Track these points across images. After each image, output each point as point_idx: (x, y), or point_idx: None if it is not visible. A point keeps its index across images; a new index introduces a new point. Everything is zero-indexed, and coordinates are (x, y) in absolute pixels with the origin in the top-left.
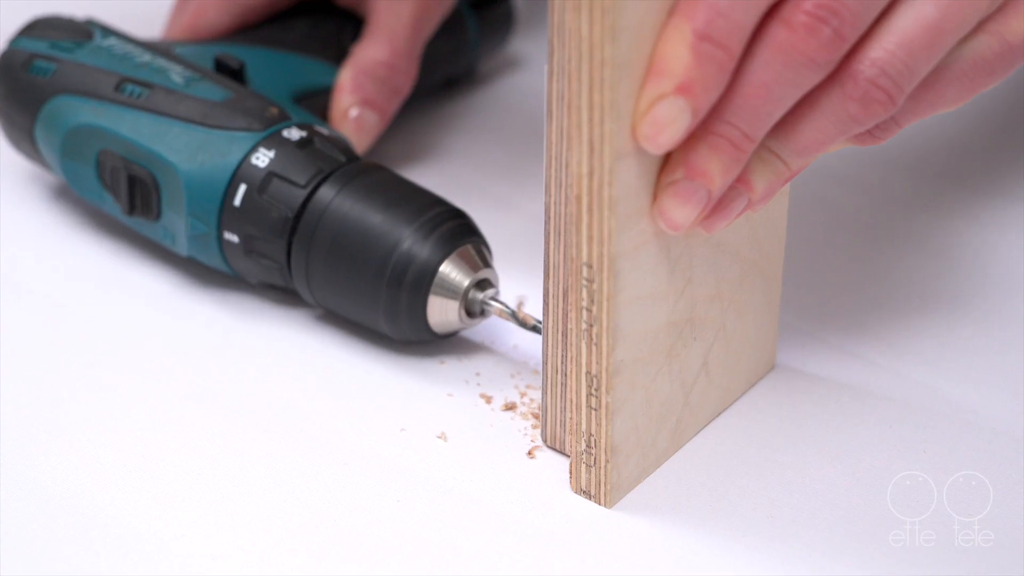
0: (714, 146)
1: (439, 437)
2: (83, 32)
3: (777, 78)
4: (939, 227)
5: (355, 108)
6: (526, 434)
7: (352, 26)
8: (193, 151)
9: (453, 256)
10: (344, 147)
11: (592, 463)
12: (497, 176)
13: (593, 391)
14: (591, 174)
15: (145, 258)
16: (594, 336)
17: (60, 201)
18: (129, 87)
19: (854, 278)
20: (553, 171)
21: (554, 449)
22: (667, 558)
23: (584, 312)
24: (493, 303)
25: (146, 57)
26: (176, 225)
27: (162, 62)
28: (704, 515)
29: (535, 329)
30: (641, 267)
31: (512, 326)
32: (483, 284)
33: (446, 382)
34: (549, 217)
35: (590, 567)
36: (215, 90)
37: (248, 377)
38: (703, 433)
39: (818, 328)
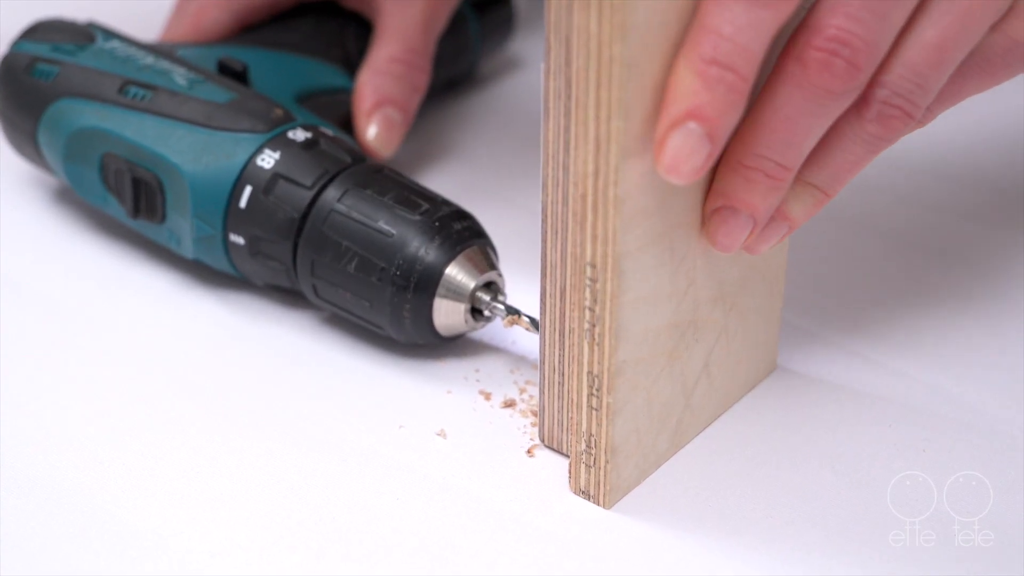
0: (750, 179)
1: (438, 434)
2: (85, 35)
3: (800, 111)
4: (940, 226)
5: (377, 109)
6: (525, 432)
7: (355, 27)
8: (198, 153)
9: (459, 258)
10: (349, 148)
11: (592, 463)
12: (501, 176)
13: (594, 391)
14: (596, 173)
15: (148, 260)
16: (596, 336)
17: (61, 204)
18: (132, 89)
19: (855, 277)
20: (550, 170)
21: (551, 448)
22: (666, 559)
23: (587, 312)
24: (498, 305)
25: (149, 59)
26: (181, 227)
27: (165, 64)
28: (703, 516)
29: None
30: (645, 267)
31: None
32: (489, 286)
33: (445, 379)
34: (546, 216)
35: (588, 567)
36: (219, 92)
37: (249, 376)
38: (703, 435)
39: (818, 326)
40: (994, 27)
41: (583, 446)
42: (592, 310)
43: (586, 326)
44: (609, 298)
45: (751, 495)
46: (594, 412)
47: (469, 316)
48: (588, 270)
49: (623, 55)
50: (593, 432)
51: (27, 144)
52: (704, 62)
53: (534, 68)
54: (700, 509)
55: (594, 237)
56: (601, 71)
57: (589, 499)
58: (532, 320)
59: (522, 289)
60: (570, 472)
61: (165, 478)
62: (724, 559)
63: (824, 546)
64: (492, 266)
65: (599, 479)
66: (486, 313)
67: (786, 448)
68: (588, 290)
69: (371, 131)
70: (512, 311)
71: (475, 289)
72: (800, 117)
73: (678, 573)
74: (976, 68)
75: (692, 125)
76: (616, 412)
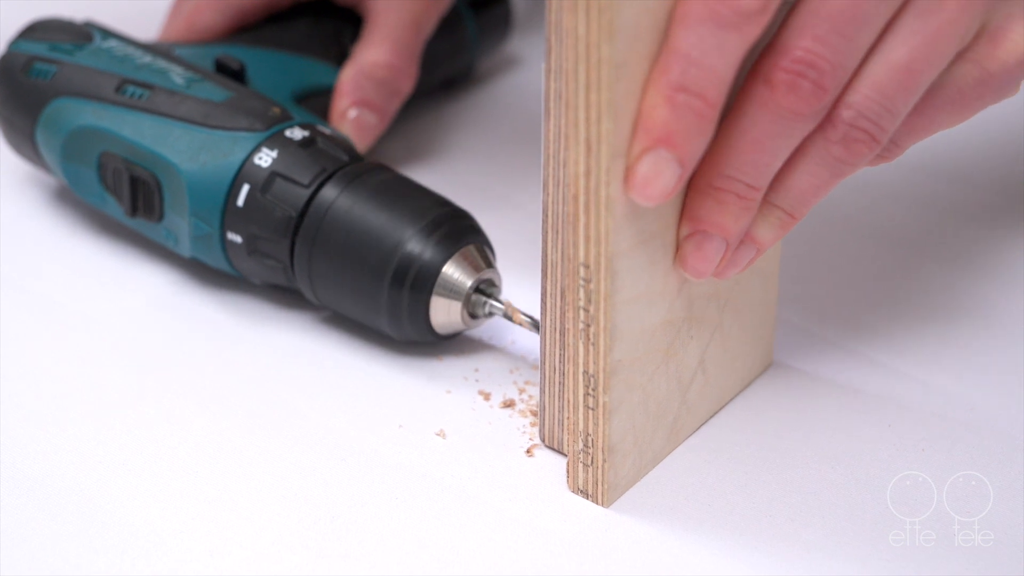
0: (721, 200)
1: (437, 434)
2: (83, 34)
3: (767, 133)
4: (938, 224)
5: (353, 109)
6: (524, 432)
7: (352, 26)
8: (195, 152)
9: (456, 257)
10: (347, 147)
11: (589, 462)
12: (498, 175)
13: (590, 391)
14: (588, 174)
15: (146, 259)
16: (591, 336)
17: (59, 203)
18: (130, 88)
19: (853, 275)
20: (551, 170)
21: (552, 448)
22: (664, 557)
23: (581, 312)
24: (495, 304)
25: (146, 58)
26: (179, 226)
27: (163, 63)
28: (701, 514)
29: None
30: (638, 266)
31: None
32: (486, 285)
33: (445, 379)
34: (547, 216)
35: (587, 566)
36: (216, 91)
37: (248, 375)
38: (700, 432)
39: (816, 325)
40: (966, 57)
41: (580, 445)
42: (586, 310)
43: (581, 326)
44: (603, 298)
45: (750, 493)
46: (590, 411)
47: (466, 314)
48: (582, 270)
49: (611, 56)
50: (590, 431)
51: (25, 144)
52: (672, 88)
53: (532, 67)
54: (698, 507)
55: (587, 238)
56: (590, 73)
57: (587, 498)
58: (530, 318)
59: (519, 288)
60: (568, 471)
61: (165, 477)
62: (723, 558)
63: (823, 545)
64: (489, 264)
65: (597, 478)
66: (483, 311)
67: (784, 447)
68: (582, 290)
69: (343, 130)
70: (509, 310)
71: (472, 287)
72: (767, 139)
73: (677, 571)
74: (948, 100)
75: (662, 151)
76: (612, 411)
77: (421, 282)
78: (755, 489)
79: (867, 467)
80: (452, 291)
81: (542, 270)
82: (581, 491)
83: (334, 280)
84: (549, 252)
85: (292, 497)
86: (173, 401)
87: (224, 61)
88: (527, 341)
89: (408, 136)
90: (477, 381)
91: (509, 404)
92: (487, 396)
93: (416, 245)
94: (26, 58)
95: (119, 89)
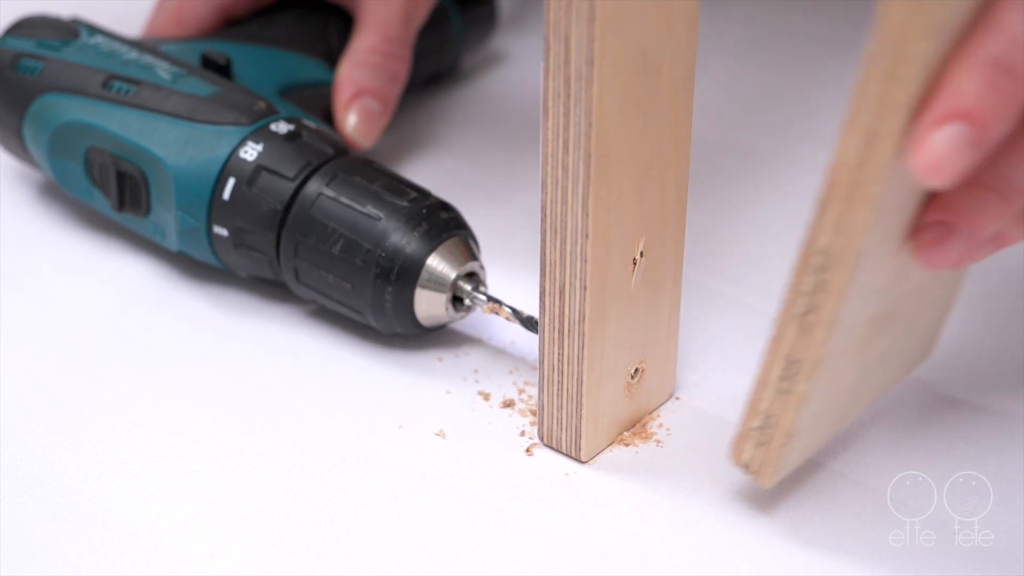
0: (983, 198)
1: (437, 434)
2: (69, 31)
3: None
4: None
5: (355, 100)
6: (524, 431)
7: (337, 21)
8: (181, 146)
9: (440, 249)
10: (332, 140)
11: (766, 441)
12: (483, 170)
13: (789, 375)
14: (860, 165)
15: (135, 254)
16: (808, 324)
17: (47, 199)
18: (117, 84)
19: None
20: (549, 169)
21: (551, 447)
22: (664, 557)
23: (803, 297)
24: (480, 296)
25: (133, 54)
26: (166, 220)
27: (149, 59)
28: (701, 514)
29: (528, 321)
30: (874, 262)
31: (509, 321)
32: (471, 277)
33: (444, 379)
34: (545, 216)
35: (587, 566)
36: (202, 85)
37: (244, 374)
38: (701, 431)
39: None
40: None
41: (758, 423)
42: (812, 297)
43: (797, 310)
44: (837, 289)
45: (750, 493)
46: (783, 395)
47: (450, 306)
48: (819, 257)
49: (924, 56)
50: (775, 413)
51: (12, 139)
52: (987, 63)
53: (517, 63)
54: (699, 506)
55: (837, 228)
56: (897, 67)
57: (747, 472)
58: (514, 311)
59: (505, 281)
60: (735, 443)
61: (163, 477)
62: (723, 557)
63: (824, 545)
64: (474, 257)
65: (768, 458)
66: (467, 303)
67: None
68: (813, 277)
69: (350, 122)
70: (493, 301)
71: (456, 279)
72: None
73: (676, 571)
74: None
75: (959, 126)
76: (808, 399)
77: (405, 274)
78: (755, 489)
79: (867, 467)
80: (436, 283)
81: (540, 269)
82: (744, 465)
83: (319, 273)
84: (547, 252)
85: (292, 497)
86: (171, 400)
87: (210, 56)
88: (527, 341)
89: (393, 130)
90: (477, 381)
91: (509, 404)
92: (487, 396)
93: (400, 237)
94: (13, 54)
95: (106, 85)
